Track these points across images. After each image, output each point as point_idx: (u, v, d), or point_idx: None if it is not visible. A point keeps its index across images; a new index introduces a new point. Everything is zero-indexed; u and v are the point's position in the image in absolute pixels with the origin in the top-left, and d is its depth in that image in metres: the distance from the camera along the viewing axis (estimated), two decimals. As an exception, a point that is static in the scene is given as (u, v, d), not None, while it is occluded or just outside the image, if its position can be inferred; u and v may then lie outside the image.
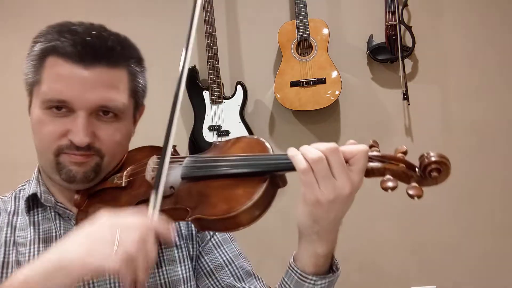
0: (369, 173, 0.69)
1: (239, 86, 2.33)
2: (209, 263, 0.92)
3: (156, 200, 0.71)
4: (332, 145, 0.68)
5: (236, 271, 0.92)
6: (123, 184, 0.83)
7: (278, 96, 2.29)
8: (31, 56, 0.82)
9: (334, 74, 2.25)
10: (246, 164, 0.73)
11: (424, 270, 2.37)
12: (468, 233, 2.33)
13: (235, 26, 2.46)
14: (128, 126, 0.86)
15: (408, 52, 2.29)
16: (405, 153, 0.70)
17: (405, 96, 2.30)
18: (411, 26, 2.26)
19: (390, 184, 0.64)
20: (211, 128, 2.30)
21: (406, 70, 2.30)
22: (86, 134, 0.77)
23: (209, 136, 2.30)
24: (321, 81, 2.24)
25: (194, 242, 0.92)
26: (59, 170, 0.80)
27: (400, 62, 2.27)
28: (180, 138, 2.38)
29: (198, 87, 2.33)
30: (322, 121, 2.40)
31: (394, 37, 2.26)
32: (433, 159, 0.65)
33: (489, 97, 2.34)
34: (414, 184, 0.65)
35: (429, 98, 2.37)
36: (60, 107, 0.78)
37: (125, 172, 0.85)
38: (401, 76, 2.29)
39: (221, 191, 0.73)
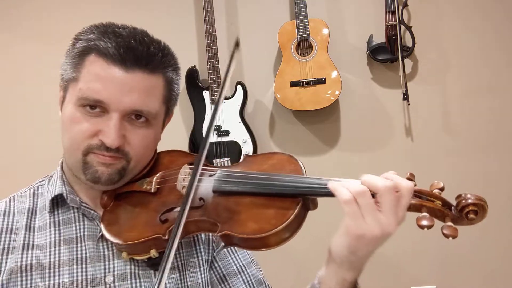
0: None
1: (239, 86, 2.33)
2: (222, 269, 0.92)
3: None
4: (390, 183, 0.66)
5: (249, 279, 0.92)
6: (152, 190, 0.83)
7: (278, 96, 2.29)
8: (71, 53, 0.82)
9: (334, 74, 2.25)
10: (281, 184, 0.72)
11: (424, 270, 2.37)
12: (468, 233, 2.32)
13: (235, 26, 2.46)
14: (157, 132, 0.86)
15: (408, 52, 2.29)
16: (441, 189, 0.70)
17: (405, 96, 2.30)
18: (411, 26, 2.26)
19: (425, 222, 0.65)
20: (211, 128, 2.30)
21: (406, 70, 2.30)
22: (117, 136, 0.77)
23: (209, 136, 2.29)
24: (321, 81, 2.24)
25: (210, 247, 0.92)
26: (85, 170, 0.80)
27: (400, 62, 2.27)
28: (180, 138, 2.38)
29: (198, 87, 2.33)
30: (322, 121, 2.40)
31: (394, 37, 2.26)
32: (470, 201, 0.65)
33: (489, 97, 2.34)
34: (449, 223, 0.66)
35: (429, 98, 2.37)
36: (94, 107, 0.78)
37: (154, 178, 0.84)
38: (401, 76, 2.29)
39: (252, 209, 0.72)
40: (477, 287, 2.35)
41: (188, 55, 2.42)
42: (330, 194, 0.69)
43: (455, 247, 2.34)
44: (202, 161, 0.72)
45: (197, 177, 0.71)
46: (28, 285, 0.79)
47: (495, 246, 2.32)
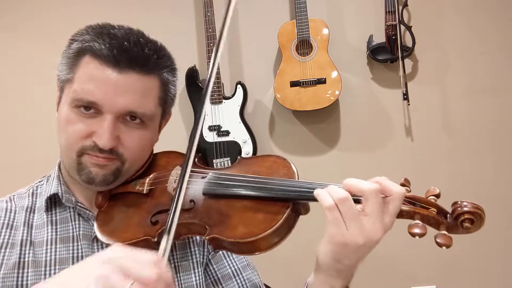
0: (398, 215, 0.66)
1: (239, 86, 2.33)
2: (217, 272, 0.91)
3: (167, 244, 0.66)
4: (375, 186, 0.64)
5: (243, 283, 0.91)
6: (145, 192, 0.83)
7: (278, 96, 2.29)
8: (66, 54, 0.82)
9: (334, 74, 2.25)
10: (270, 188, 0.71)
11: (424, 270, 2.37)
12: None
13: (235, 26, 2.46)
14: (153, 134, 0.86)
15: (408, 52, 2.29)
16: (437, 196, 0.67)
17: (405, 96, 2.30)
18: (411, 26, 2.26)
19: (417, 230, 0.62)
20: (211, 128, 2.30)
21: (406, 70, 2.30)
22: (110, 138, 0.77)
23: (209, 136, 2.30)
24: (321, 81, 2.24)
25: (205, 250, 0.92)
26: (80, 171, 0.80)
27: (400, 62, 2.27)
28: (180, 138, 2.38)
29: (198, 87, 2.33)
30: (322, 121, 2.40)
31: (394, 37, 2.26)
32: (466, 209, 0.63)
33: (489, 97, 2.34)
34: (443, 232, 0.64)
35: (429, 98, 2.37)
36: (88, 108, 0.78)
37: (147, 179, 0.84)
38: (401, 76, 2.29)
39: (242, 213, 0.72)
40: (477, 287, 2.35)
41: (188, 55, 2.42)
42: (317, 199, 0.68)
43: (455, 247, 2.33)
44: (191, 163, 0.71)
45: (186, 180, 0.70)
46: (24, 282, 0.79)
47: (495, 246, 2.32)
